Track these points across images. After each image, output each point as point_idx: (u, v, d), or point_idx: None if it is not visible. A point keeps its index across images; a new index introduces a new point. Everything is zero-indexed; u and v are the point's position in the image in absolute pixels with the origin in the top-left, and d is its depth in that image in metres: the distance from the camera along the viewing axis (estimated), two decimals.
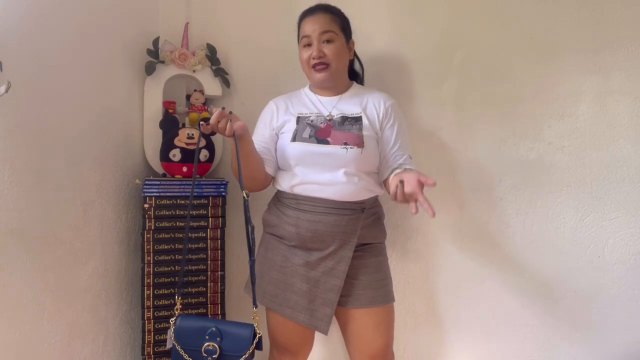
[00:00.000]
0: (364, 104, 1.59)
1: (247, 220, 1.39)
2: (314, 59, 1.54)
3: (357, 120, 1.54)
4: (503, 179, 1.91)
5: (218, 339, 1.34)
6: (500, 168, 1.91)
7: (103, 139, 1.57)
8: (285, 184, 1.55)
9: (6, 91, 1.06)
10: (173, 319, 1.39)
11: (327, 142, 1.49)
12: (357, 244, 1.51)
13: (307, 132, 1.52)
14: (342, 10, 1.61)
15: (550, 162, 1.89)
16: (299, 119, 1.57)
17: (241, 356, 1.33)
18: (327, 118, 1.55)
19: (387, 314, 1.55)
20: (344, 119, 1.54)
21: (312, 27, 1.54)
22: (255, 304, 1.38)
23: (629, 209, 1.87)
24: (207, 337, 1.34)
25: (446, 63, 1.92)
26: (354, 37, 1.65)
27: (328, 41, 1.54)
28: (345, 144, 1.48)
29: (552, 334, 1.91)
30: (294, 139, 1.52)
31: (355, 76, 1.73)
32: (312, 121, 1.55)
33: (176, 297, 1.43)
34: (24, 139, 1.20)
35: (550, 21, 1.88)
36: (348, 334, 1.56)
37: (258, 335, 1.35)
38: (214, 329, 1.35)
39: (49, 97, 1.29)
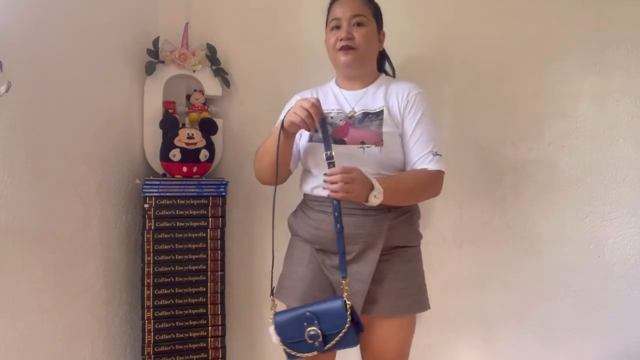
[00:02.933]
0: (388, 95, 1.46)
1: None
2: (341, 40, 1.42)
3: (378, 115, 1.42)
4: (503, 179, 1.91)
5: (315, 321, 1.27)
6: (500, 168, 1.91)
7: (103, 139, 1.57)
8: (307, 186, 1.48)
9: (6, 91, 1.06)
10: (271, 319, 1.33)
11: (343, 142, 1.40)
12: (385, 247, 1.39)
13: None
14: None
15: (550, 162, 1.89)
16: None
17: (341, 331, 1.25)
18: (349, 115, 1.45)
19: (407, 325, 1.46)
20: (365, 115, 1.43)
21: (343, 9, 1.44)
22: (344, 274, 1.28)
23: (629, 209, 1.88)
24: (305, 323, 1.28)
25: (446, 63, 1.92)
26: None
27: (359, 24, 1.43)
28: (362, 143, 1.38)
29: (552, 334, 1.91)
30: (310, 139, 1.45)
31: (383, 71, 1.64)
32: (332, 118, 1.46)
33: (270, 297, 1.38)
34: (24, 139, 1.20)
35: (550, 21, 1.88)
36: (364, 341, 1.43)
37: (349, 305, 1.25)
38: (308, 313, 1.28)
39: (49, 97, 1.29)
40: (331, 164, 1.27)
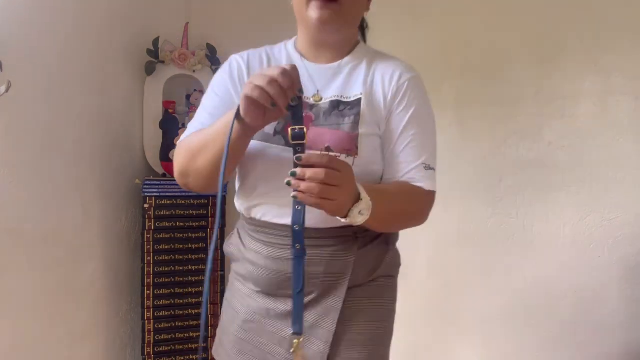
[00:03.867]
0: (371, 76, 1.01)
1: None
2: None
3: (354, 107, 0.97)
4: (503, 179, 1.91)
5: None
6: (500, 168, 1.90)
7: (103, 139, 1.57)
8: (242, 203, 1.03)
9: (6, 91, 1.06)
10: None
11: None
12: (350, 285, 0.98)
13: (272, 124, 0.94)
14: None
15: (550, 162, 1.89)
16: None
17: None
18: (312, 101, 0.98)
19: None
20: (335, 105, 0.98)
21: None
22: (298, 330, 0.90)
23: (629, 209, 1.87)
24: None
25: (446, 63, 1.91)
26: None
27: None
28: (328, 149, 0.93)
29: (552, 334, 1.91)
30: (259, 136, 0.95)
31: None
32: None
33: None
34: (24, 138, 1.20)
35: (550, 21, 1.88)
36: None
37: None
38: None
39: (49, 97, 1.29)
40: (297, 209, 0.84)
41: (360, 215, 0.85)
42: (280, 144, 0.94)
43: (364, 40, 1.14)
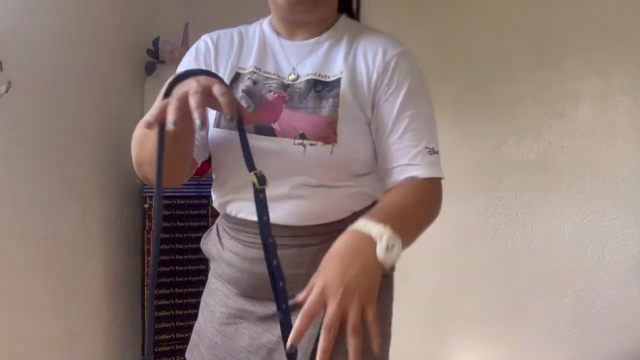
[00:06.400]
0: (353, 53, 0.89)
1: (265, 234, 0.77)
2: None
3: (333, 88, 0.85)
4: (503, 179, 1.91)
5: None
6: (500, 168, 1.91)
7: (103, 138, 1.57)
8: (215, 198, 0.96)
9: (6, 91, 1.06)
10: None
11: (271, 132, 0.84)
12: None
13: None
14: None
15: (550, 162, 1.89)
16: (237, 77, 0.90)
17: None
18: (287, 81, 0.88)
19: None
20: (312, 84, 0.87)
21: None
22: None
23: (629, 209, 1.87)
24: None
25: (446, 63, 1.91)
26: None
27: None
28: (302, 136, 0.83)
29: (552, 334, 1.91)
30: (217, 123, 0.87)
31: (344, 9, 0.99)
32: (254, 84, 0.88)
33: None
34: (24, 139, 1.20)
35: (550, 21, 1.88)
36: None
37: None
38: None
39: (49, 97, 1.29)
40: (261, 198, 0.75)
41: (389, 253, 0.67)
42: (250, 132, 0.82)
43: (358, 19, 1.00)
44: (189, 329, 1.65)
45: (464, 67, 1.91)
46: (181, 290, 1.66)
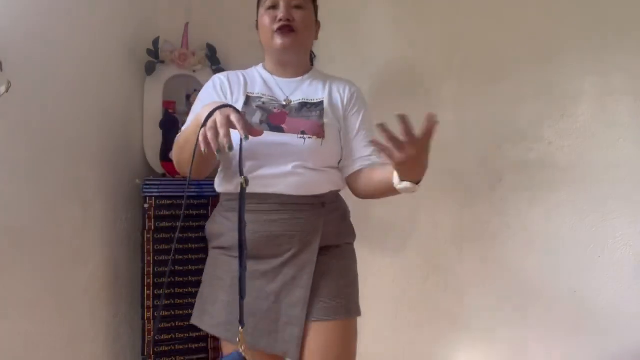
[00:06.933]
0: (328, 89, 1.38)
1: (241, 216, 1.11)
2: (279, 20, 1.30)
3: (318, 106, 1.33)
4: (503, 179, 1.91)
5: None
6: (500, 168, 1.91)
7: (103, 139, 1.57)
8: (229, 184, 1.31)
9: (6, 91, 1.06)
10: None
11: (281, 130, 1.27)
12: (319, 246, 1.28)
13: (257, 116, 1.29)
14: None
15: (550, 162, 1.89)
16: (248, 99, 1.33)
17: None
18: (284, 103, 1.33)
19: (349, 328, 1.30)
20: (303, 105, 1.33)
21: None
22: (242, 323, 1.11)
23: (629, 209, 1.87)
24: None
25: (446, 63, 1.92)
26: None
27: (297, 7, 1.33)
28: (303, 133, 1.26)
29: (552, 334, 1.91)
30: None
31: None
32: (263, 103, 1.31)
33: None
34: (24, 139, 1.20)
35: (550, 21, 1.88)
36: (305, 350, 1.26)
37: None
38: None
39: (49, 96, 1.29)
40: (244, 190, 1.10)
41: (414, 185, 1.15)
42: (266, 129, 1.24)
43: (312, 65, 1.50)
44: (189, 329, 1.66)
45: (464, 67, 1.91)
46: (181, 290, 1.66)
